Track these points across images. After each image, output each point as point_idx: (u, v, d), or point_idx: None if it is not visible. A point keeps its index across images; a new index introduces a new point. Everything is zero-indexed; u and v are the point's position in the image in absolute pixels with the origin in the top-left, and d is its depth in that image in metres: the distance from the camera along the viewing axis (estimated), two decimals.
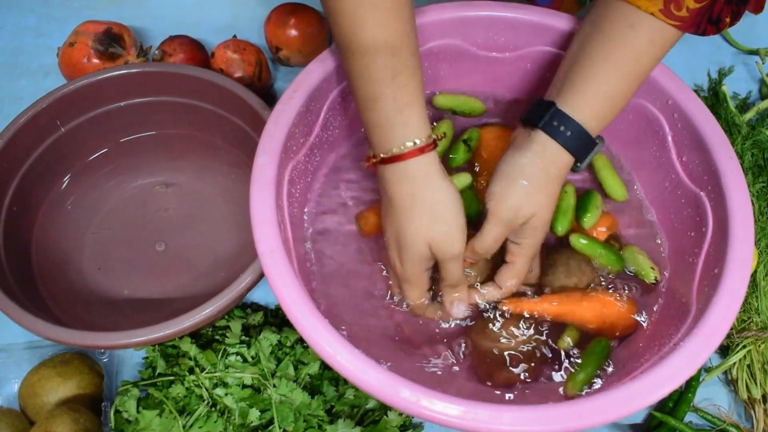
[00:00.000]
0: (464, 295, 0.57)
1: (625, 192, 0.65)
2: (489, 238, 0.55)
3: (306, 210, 0.64)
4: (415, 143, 0.51)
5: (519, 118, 0.58)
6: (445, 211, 0.52)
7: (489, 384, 0.57)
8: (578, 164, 0.55)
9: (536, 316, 0.58)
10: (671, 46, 0.54)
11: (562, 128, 0.53)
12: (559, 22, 0.63)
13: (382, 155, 0.52)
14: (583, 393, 0.55)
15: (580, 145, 0.53)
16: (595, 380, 0.56)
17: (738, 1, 0.52)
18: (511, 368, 0.57)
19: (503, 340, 0.58)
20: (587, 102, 0.53)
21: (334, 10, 0.51)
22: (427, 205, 0.52)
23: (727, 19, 0.53)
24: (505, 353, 0.57)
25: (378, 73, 0.51)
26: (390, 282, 0.60)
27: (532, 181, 0.53)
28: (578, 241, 0.61)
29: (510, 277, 0.57)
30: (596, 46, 0.53)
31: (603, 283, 0.61)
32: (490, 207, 0.55)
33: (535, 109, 0.55)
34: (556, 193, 0.55)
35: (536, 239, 0.56)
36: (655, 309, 0.60)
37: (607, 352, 0.58)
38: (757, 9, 0.54)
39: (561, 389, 0.56)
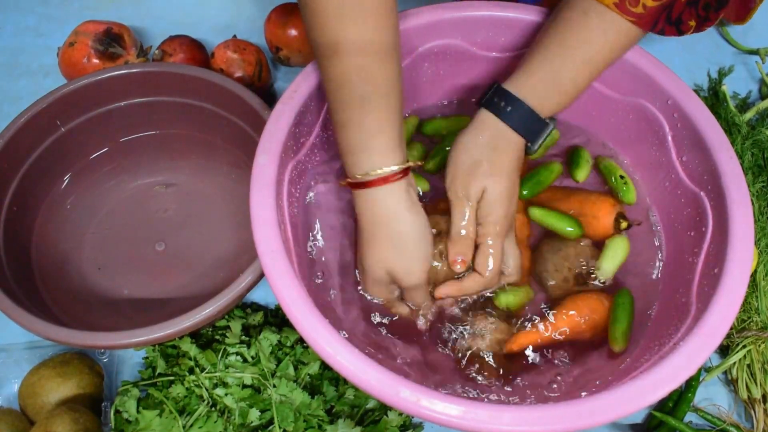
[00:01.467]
0: (427, 312, 0.59)
1: (633, 193, 0.66)
2: (458, 222, 0.56)
3: (307, 210, 0.64)
4: (380, 172, 0.51)
5: (490, 109, 0.57)
6: (406, 242, 0.53)
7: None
8: (529, 145, 0.55)
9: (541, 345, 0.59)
10: (628, 41, 0.54)
11: (504, 105, 0.54)
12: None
13: (349, 179, 0.53)
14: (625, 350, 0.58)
15: (527, 124, 0.54)
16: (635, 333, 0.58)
17: (706, 7, 0.52)
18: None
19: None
20: (532, 81, 0.54)
21: (312, 11, 0.50)
22: (388, 235, 0.52)
23: (692, 23, 0.53)
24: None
25: (348, 96, 0.51)
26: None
27: (477, 156, 0.54)
28: (534, 213, 0.63)
29: (484, 260, 0.56)
30: (550, 30, 0.54)
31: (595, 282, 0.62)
32: (447, 191, 0.56)
33: (486, 92, 0.56)
34: (509, 168, 0.55)
35: (497, 215, 0.55)
36: (656, 305, 0.60)
37: (631, 300, 0.59)
38: (739, 19, 0.54)
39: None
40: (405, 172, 0.52)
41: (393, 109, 0.52)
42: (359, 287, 0.60)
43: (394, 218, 0.52)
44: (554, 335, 0.59)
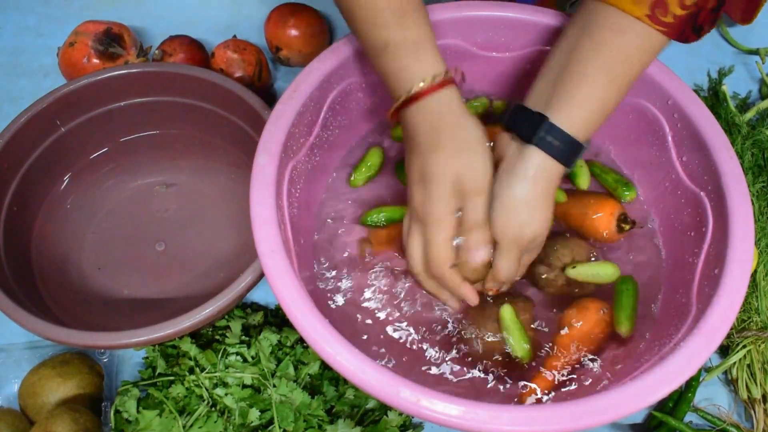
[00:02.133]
0: (488, 236, 0.54)
1: (634, 192, 0.65)
2: (505, 265, 0.54)
3: (308, 210, 0.64)
4: (434, 78, 0.51)
5: (503, 123, 0.56)
6: (469, 142, 0.52)
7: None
8: (567, 170, 0.54)
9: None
10: (657, 52, 0.53)
11: (556, 143, 0.52)
12: (559, 21, 0.63)
13: (402, 98, 0.52)
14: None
15: (571, 154, 0.53)
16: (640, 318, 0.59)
17: (714, 9, 0.52)
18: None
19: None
20: (579, 113, 0.52)
21: None
22: (451, 136, 0.52)
23: (706, 27, 0.53)
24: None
25: (384, 18, 0.51)
26: (409, 247, 0.56)
27: (533, 206, 0.53)
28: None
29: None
30: (585, 52, 0.52)
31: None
32: (496, 237, 0.54)
33: (523, 119, 0.53)
34: (552, 206, 0.54)
35: (534, 254, 0.57)
36: (656, 305, 0.60)
37: (634, 286, 0.60)
38: (745, 20, 0.54)
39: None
40: (452, 79, 0.53)
41: (427, 20, 0.53)
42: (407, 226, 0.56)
43: (455, 119, 0.52)
44: (561, 375, 0.58)
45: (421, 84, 0.51)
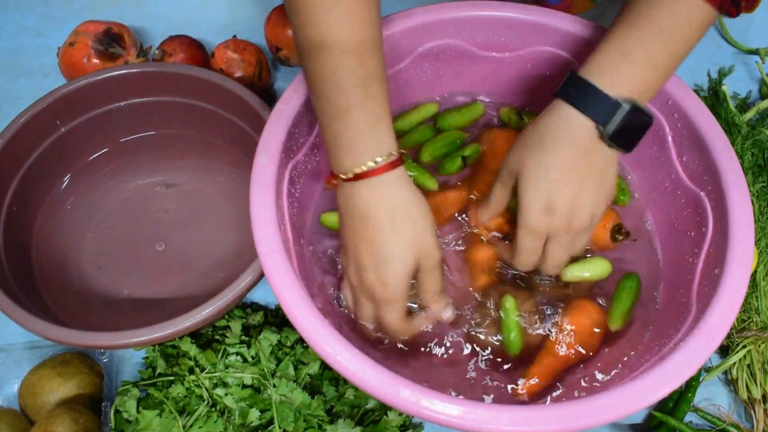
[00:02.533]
0: (448, 299, 0.57)
1: (628, 196, 0.65)
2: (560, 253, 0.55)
3: (307, 210, 0.64)
4: (389, 156, 0.50)
5: (557, 95, 0.53)
6: (424, 220, 0.52)
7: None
8: (601, 128, 0.52)
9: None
10: (701, 19, 0.51)
11: (573, 90, 0.51)
12: (560, 22, 0.63)
13: (354, 170, 0.50)
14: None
15: (595, 104, 0.51)
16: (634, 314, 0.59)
17: None
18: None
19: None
20: (599, 61, 0.51)
21: (295, 4, 0.48)
22: (409, 218, 0.51)
23: (743, 2, 0.51)
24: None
25: (349, 84, 0.49)
26: (360, 318, 0.56)
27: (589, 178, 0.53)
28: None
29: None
30: (622, 14, 0.52)
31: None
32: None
33: (598, 104, 0.51)
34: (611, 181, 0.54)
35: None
36: (656, 305, 0.60)
37: (638, 284, 0.60)
38: (749, 7, 0.54)
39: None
40: (401, 157, 0.52)
41: (387, 94, 0.51)
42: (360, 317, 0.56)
43: (412, 200, 0.51)
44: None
45: (378, 161, 0.49)
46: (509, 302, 0.58)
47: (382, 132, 0.50)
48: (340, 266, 0.62)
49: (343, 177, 0.51)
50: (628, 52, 0.50)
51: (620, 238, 0.61)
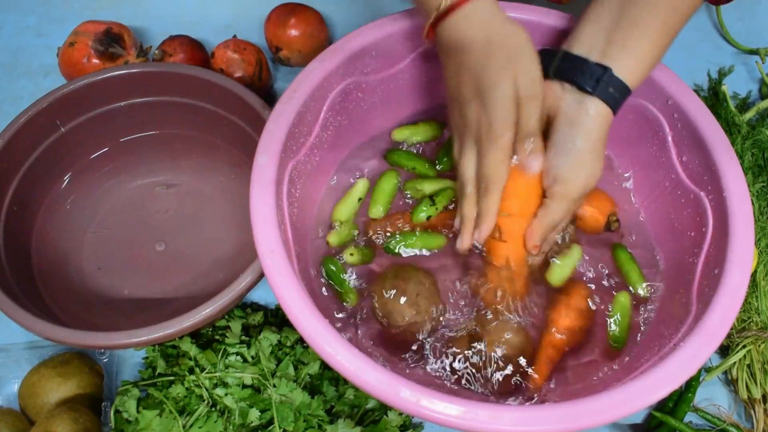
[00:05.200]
0: (540, 145, 0.54)
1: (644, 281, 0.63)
2: (558, 215, 0.55)
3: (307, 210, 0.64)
4: None
5: (553, 72, 0.54)
6: (521, 44, 0.51)
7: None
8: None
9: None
10: (698, 6, 0.53)
11: (616, 94, 0.52)
12: (557, 21, 0.63)
13: (441, 6, 0.50)
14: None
15: (622, 102, 0.53)
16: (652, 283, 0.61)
17: None
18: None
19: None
20: (638, 64, 0.52)
21: None
22: (503, 41, 0.50)
23: None
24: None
25: None
26: (461, 167, 0.55)
27: (596, 155, 0.54)
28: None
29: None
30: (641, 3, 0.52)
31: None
32: (558, 189, 0.54)
33: (579, 68, 0.53)
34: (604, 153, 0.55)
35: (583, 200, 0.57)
36: (656, 305, 0.60)
37: (626, 248, 0.63)
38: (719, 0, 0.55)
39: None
40: None
41: None
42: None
43: (504, 24, 0.51)
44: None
45: None
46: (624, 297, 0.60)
47: None
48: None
49: (432, 20, 0.52)
50: (656, 56, 0.53)
51: (614, 227, 0.62)
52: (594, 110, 0.53)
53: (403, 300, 0.58)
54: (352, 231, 0.64)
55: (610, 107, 0.53)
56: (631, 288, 0.61)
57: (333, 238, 0.63)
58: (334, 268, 0.61)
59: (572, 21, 0.63)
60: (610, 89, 0.52)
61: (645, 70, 0.53)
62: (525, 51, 0.51)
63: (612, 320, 0.60)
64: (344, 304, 0.61)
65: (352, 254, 0.61)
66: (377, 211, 0.64)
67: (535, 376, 0.57)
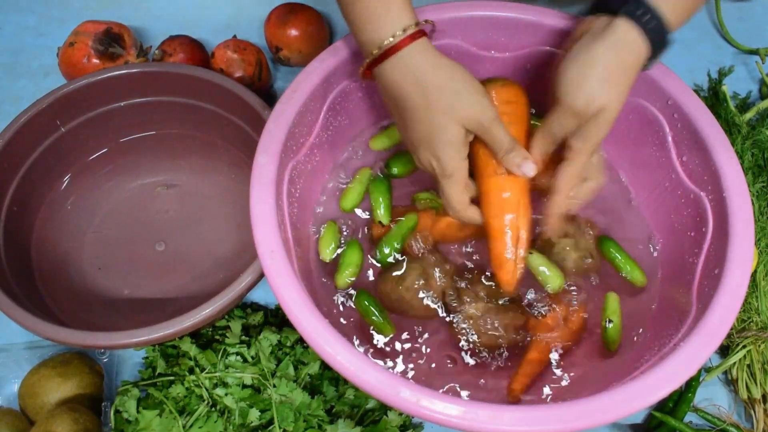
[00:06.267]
0: (524, 152, 0.53)
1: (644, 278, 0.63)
2: (556, 127, 0.52)
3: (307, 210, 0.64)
4: (405, 30, 0.49)
5: (590, 7, 0.53)
6: (461, 83, 0.50)
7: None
8: (649, 60, 0.52)
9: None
10: None
11: (645, 17, 0.49)
12: (559, 21, 0.63)
13: (375, 52, 0.50)
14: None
15: (658, 39, 0.51)
16: None
17: None
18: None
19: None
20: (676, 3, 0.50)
21: None
22: (441, 86, 0.50)
23: None
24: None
25: None
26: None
27: (608, 71, 0.50)
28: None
29: (571, 176, 0.54)
30: None
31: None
32: (560, 95, 0.51)
33: (660, 36, 0.50)
34: (629, 87, 0.51)
35: (600, 136, 0.52)
36: (656, 305, 0.60)
37: (613, 239, 0.63)
38: None
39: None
40: (423, 31, 0.51)
41: None
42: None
43: (440, 67, 0.50)
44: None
45: (394, 37, 0.49)
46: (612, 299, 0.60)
47: (395, 8, 0.50)
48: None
49: (368, 62, 0.51)
50: None
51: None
52: (619, 26, 0.49)
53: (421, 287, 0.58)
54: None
55: (641, 30, 0.49)
56: (625, 275, 0.61)
57: (340, 280, 0.61)
58: (367, 302, 0.59)
59: (572, 21, 0.63)
60: (638, 11, 0.50)
61: (679, 7, 0.50)
62: (463, 88, 0.51)
63: (605, 322, 0.60)
64: (378, 334, 0.59)
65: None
66: (383, 216, 0.63)
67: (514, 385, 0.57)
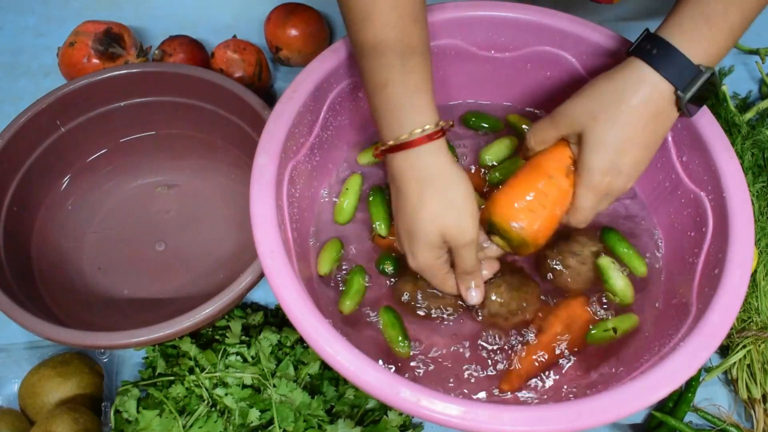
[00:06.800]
0: (479, 281, 0.56)
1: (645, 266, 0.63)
2: (586, 205, 0.54)
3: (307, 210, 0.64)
4: (423, 130, 0.50)
5: (633, 53, 0.52)
6: (456, 197, 0.51)
7: None
8: (680, 93, 0.50)
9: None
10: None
11: (649, 47, 0.50)
12: (560, 22, 0.63)
13: (390, 142, 0.51)
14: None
15: (673, 66, 0.50)
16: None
17: None
18: None
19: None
20: (677, 20, 0.50)
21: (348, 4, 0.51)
22: (437, 192, 0.51)
23: None
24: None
25: (388, 58, 0.51)
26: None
27: (628, 142, 0.51)
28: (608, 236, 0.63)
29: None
30: None
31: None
32: (579, 172, 0.53)
33: (680, 68, 0.50)
34: (633, 116, 0.52)
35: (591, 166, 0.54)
36: (656, 305, 0.60)
37: (618, 232, 0.63)
38: None
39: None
40: (443, 130, 0.52)
41: (429, 67, 0.52)
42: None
43: (444, 174, 0.51)
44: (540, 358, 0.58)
45: (412, 134, 0.50)
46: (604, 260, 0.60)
47: (419, 105, 0.51)
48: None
49: (383, 148, 0.52)
50: (708, 14, 0.50)
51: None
52: (624, 63, 0.51)
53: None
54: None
55: (643, 60, 0.50)
56: (626, 264, 0.61)
57: (345, 306, 0.61)
58: (393, 318, 0.59)
59: (572, 21, 0.63)
60: (642, 44, 0.50)
61: (685, 22, 0.50)
62: (459, 203, 0.52)
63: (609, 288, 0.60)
64: (395, 349, 0.58)
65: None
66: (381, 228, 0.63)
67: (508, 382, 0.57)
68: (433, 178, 0.51)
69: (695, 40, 0.50)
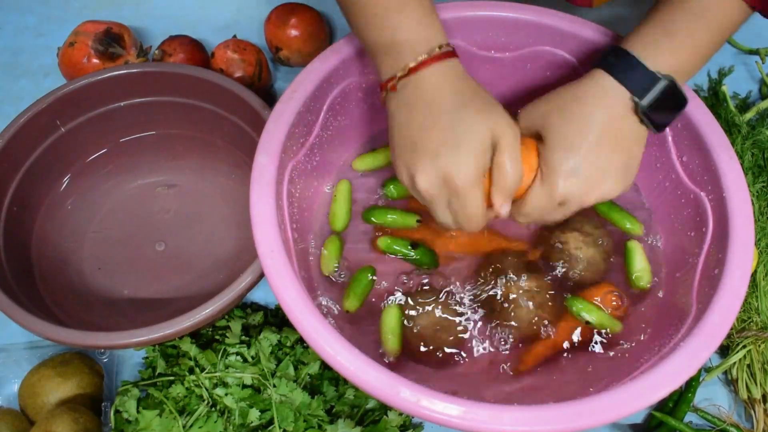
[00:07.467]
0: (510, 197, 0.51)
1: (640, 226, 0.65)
2: (535, 207, 0.53)
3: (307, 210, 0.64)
4: (444, 46, 0.50)
5: (597, 65, 0.53)
6: (491, 99, 0.51)
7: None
8: (636, 100, 0.50)
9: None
10: (741, 12, 0.53)
11: (610, 57, 0.51)
12: (560, 22, 0.63)
13: (410, 64, 0.50)
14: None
15: (629, 73, 0.51)
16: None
17: None
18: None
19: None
20: (640, 31, 0.52)
21: None
22: (477, 94, 0.50)
23: None
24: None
25: None
26: (439, 217, 0.52)
27: (595, 150, 0.51)
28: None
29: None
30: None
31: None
32: (544, 174, 0.51)
33: (636, 75, 0.50)
34: (589, 119, 0.52)
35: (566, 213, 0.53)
36: (656, 305, 0.60)
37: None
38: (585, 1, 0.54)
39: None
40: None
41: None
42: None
43: (472, 81, 0.51)
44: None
45: (436, 50, 0.50)
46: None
47: (432, 25, 0.51)
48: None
49: (400, 74, 0.50)
50: (670, 29, 0.50)
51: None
52: (594, 80, 0.51)
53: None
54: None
55: (600, 67, 0.51)
56: (625, 225, 0.64)
57: (348, 305, 0.61)
58: (395, 320, 0.59)
59: (571, 21, 0.63)
60: (610, 58, 0.51)
61: (646, 33, 0.51)
62: (496, 104, 0.51)
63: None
64: (383, 349, 0.59)
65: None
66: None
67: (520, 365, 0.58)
68: (467, 86, 0.51)
69: (656, 51, 0.51)
